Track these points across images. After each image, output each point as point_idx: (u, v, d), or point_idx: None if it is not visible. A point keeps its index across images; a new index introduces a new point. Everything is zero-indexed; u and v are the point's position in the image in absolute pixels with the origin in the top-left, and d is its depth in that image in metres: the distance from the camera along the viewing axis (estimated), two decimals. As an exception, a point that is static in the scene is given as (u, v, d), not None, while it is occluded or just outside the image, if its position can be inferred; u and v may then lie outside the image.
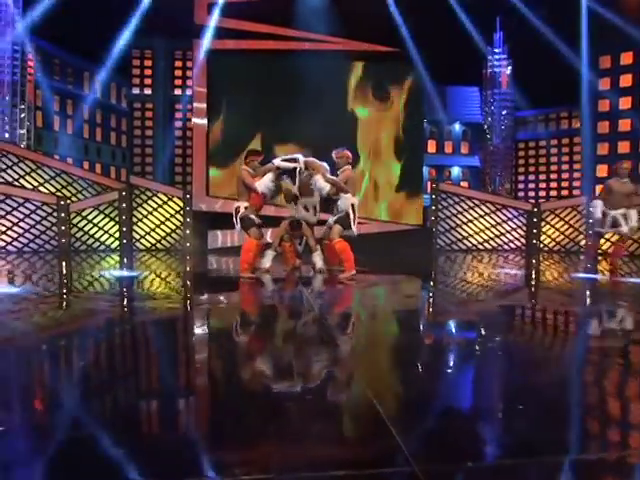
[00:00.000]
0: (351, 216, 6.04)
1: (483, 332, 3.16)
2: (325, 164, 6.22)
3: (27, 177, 12.57)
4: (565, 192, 22.35)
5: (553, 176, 24.01)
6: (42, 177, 12.68)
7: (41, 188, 12.48)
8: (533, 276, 6.89)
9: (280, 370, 1.99)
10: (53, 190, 12.65)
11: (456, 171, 23.49)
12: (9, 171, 12.44)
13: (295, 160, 5.92)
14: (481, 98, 22.70)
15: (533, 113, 24.83)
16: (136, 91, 20.39)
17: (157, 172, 20.06)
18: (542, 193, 23.69)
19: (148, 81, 20.31)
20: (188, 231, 12.40)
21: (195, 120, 12.91)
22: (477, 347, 2.70)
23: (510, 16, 15.18)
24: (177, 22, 13.37)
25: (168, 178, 18.90)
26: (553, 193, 23.52)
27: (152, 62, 19.89)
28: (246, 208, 6.07)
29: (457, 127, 23.74)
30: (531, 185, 24.54)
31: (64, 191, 12.78)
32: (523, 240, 13.55)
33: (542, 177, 24.16)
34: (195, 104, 13.00)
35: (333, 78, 13.27)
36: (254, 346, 2.71)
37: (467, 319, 3.79)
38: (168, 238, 12.48)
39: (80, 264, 8.84)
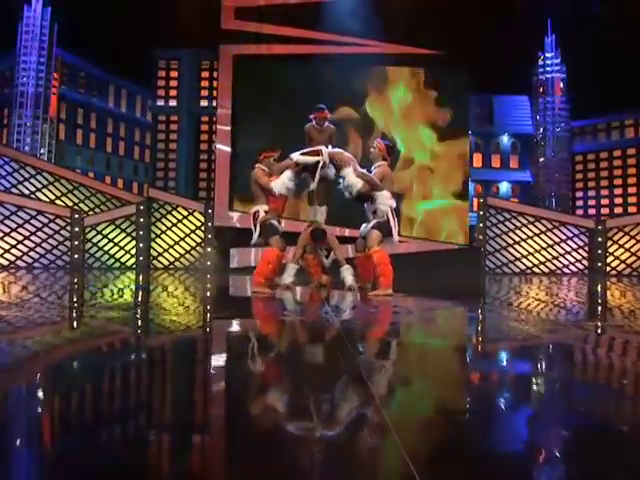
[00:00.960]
0: (391, 221, 5.24)
1: (550, 375, 2.40)
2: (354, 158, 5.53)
3: (44, 190, 12.58)
4: (633, 209, 20.67)
5: (617, 191, 22.42)
6: (59, 190, 12.67)
7: (57, 201, 12.37)
8: (604, 305, 5.81)
9: (294, 415, 1.64)
10: (70, 203, 12.55)
11: (505, 187, 22.36)
12: (26, 183, 12.48)
13: (317, 153, 5.22)
14: (531, 107, 21.67)
15: (592, 122, 23.50)
16: (161, 103, 20.59)
17: (180, 187, 19.98)
18: (605, 210, 22.06)
19: (173, 92, 20.52)
20: (209, 248, 11.90)
21: (219, 146, 12.46)
22: (542, 393, 2.08)
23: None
24: (203, 29, 13.28)
25: (192, 194, 18.70)
26: (618, 210, 21.87)
27: (178, 73, 20.08)
28: (266, 212, 5.38)
29: (505, 139, 22.71)
30: (591, 202, 22.96)
31: (81, 205, 12.69)
32: (586, 262, 12.37)
33: (604, 192, 22.59)
34: (219, 126, 12.64)
35: (370, 84, 12.74)
36: (266, 382, 2.19)
37: (527, 354, 2.92)
38: (187, 256, 12.03)
39: (91, 282, 8.36)
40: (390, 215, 5.28)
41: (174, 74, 20.35)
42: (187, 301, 5.54)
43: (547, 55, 18.71)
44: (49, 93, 15.46)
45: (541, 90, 19.16)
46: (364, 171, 5.34)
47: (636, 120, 20.78)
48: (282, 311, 4.60)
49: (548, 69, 18.91)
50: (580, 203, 22.87)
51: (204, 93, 20.21)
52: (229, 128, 12.33)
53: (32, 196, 12.22)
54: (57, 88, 17.31)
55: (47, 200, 12.25)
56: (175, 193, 17.52)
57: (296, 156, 5.34)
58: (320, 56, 12.16)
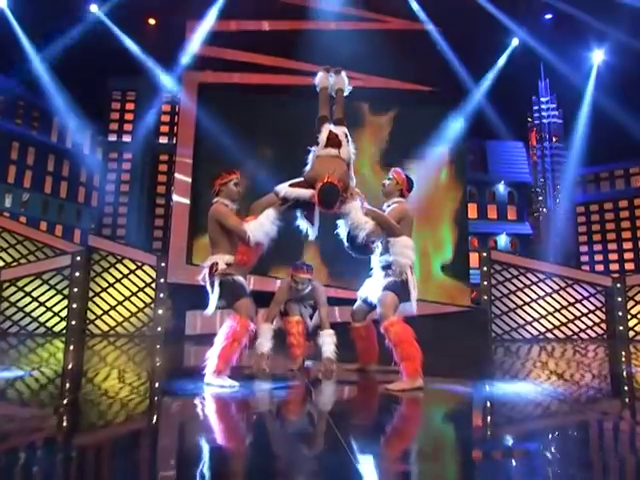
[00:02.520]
0: (410, 280, 4.05)
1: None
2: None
3: (-46, 236, 10.93)
4: (646, 264, 20.43)
5: (627, 245, 22.15)
6: (-24, 237, 11.01)
7: (-28, 251, 10.76)
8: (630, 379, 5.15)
9: None
10: (-11, 254, 10.95)
11: (503, 240, 21.86)
12: None
13: (315, 183, 4.05)
14: (527, 154, 21.62)
15: (594, 171, 23.64)
16: (113, 138, 19.43)
17: (130, 236, 18.47)
18: (614, 266, 21.65)
19: (128, 127, 19.39)
20: (161, 310, 10.44)
21: (176, 198, 11.43)
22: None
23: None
24: (167, 57, 12.51)
25: (145, 245, 17.23)
26: (629, 266, 21.50)
27: (134, 105, 19.11)
28: (229, 265, 4.07)
29: (501, 188, 22.46)
30: (598, 257, 22.60)
31: (3, 255, 11.07)
32: (604, 326, 11.49)
33: (612, 247, 22.32)
34: (177, 175, 11.74)
35: (353, 123, 12.04)
36: None
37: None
38: (133, 319, 10.53)
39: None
40: (409, 272, 4.09)
41: (130, 106, 19.39)
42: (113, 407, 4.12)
43: (542, 100, 18.84)
44: (-22, 123, 14.14)
45: (537, 136, 19.13)
46: (374, 208, 4.20)
47: (642, 167, 21.08)
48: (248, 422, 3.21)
49: (544, 114, 19.01)
50: (585, 258, 22.49)
51: (164, 129, 19.21)
52: (189, 179, 11.28)
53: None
54: (-11, 118, 16.06)
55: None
56: (125, 243, 16.00)
57: (284, 188, 4.22)
58: (296, 88, 11.32)
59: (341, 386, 4.71)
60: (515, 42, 15.15)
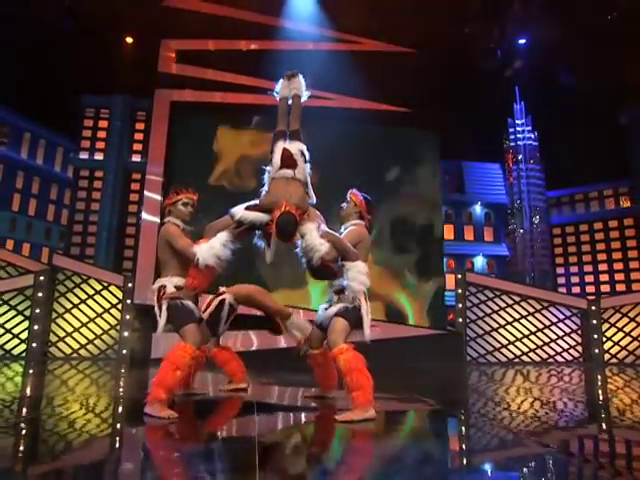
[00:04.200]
0: (364, 306, 3.97)
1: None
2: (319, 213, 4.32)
3: None
4: (621, 286, 20.57)
5: (602, 267, 22.47)
6: None
7: None
8: (608, 405, 5.12)
9: None
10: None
11: (480, 261, 22.03)
12: None
13: (273, 208, 3.92)
14: (504, 176, 22.01)
15: (568, 192, 24.13)
16: (84, 156, 19.24)
17: (99, 256, 18.15)
18: (590, 288, 21.93)
19: (101, 144, 19.24)
20: (126, 332, 10.20)
21: (145, 216, 11.33)
22: None
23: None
24: (141, 75, 12.53)
25: (114, 265, 16.91)
26: (605, 288, 21.79)
27: (108, 122, 18.99)
28: (178, 289, 3.99)
29: (478, 209, 22.74)
30: (574, 279, 22.88)
31: (-37, 275, 10.72)
32: (580, 349, 11.55)
33: (588, 268, 22.63)
34: (146, 192, 11.63)
35: (327, 140, 12.15)
36: None
37: None
38: (97, 342, 10.29)
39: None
40: (363, 298, 4.02)
41: (103, 124, 19.25)
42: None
43: (517, 122, 19.28)
44: (-56, 139, 13.93)
45: (513, 158, 19.52)
46: (331, 231, 4.15)
47: (615, 190, 21.39)
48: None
49: (519, 136, 19.43)
50: (562, 280, 22.76)
51: (137, 147, 19.10)
52: (158, 197, 11.17)
53: None
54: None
55: None
56: (93, 263, 15.72)
57: (239, 212, 4.10)
58: (269, 107, 11.40)
59: (287, 414, 4.63)
60: (491, 64, 15.55)
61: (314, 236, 3.93)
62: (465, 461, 3.08)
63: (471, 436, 3.69)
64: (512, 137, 18.93)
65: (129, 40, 14.79)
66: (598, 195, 22.85)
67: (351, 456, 3.16)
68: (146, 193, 11.65)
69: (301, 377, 4.88)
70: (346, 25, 13.04)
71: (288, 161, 4.20)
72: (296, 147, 4.33)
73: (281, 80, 4.83)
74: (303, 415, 4.56)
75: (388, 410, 4.46)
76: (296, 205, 3.97)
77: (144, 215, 11.55)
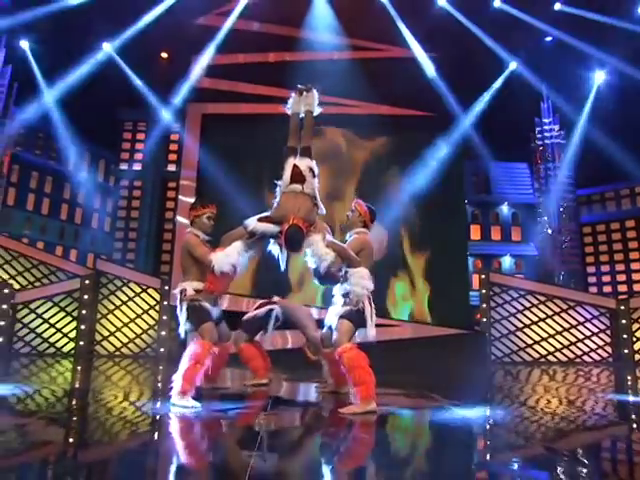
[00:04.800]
0: (367, 309, 4.23)
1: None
2: (326, 225, 4.61)
3: (-25, 261, 11.50)
4: (656, 285, 19.99)
5: (635, 265, 21.72)
6: (-7, 261, 11.59)
7: (-11, 274, 11.33)
8: None
9: None
10: (6, 277, 11.51)
11: (508, 261, 21.72)
12: (-47, 253, 11.44)
13: (282, 220, 4.25)
14: (531, 175, 21.61)
15: (599, 190, 23.44)
16: (124, 167, 20.17)
17: (139, 260, 18.96)
18: (622, 287, 21.26)
19: (139, 156, 20.13)
20: (164, 332, 10.77)
21: (179, 218, 12.11)
22: None
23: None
24: (174, 89, 13.19)
25: (153, 268, 17.70)
26: (638, 287, 21.06)
27: (145, 135, 19.86)
28: (198, 291, 4.38)
29: (505, 209, 22.43)
30: (606, 278, 22.21)
31: (18, 278, 11.62)
32: (609, 349, 11.38)
33: (620, 267, 21.92)
34: (180, 197, 12.42)
35: (354, 149, 12.45)
36: None
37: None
38: (138, 340, 10.85)
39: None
40: (366, 301, 4.33)
41: (141, 136, 20.15)
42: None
43: (545, 121, 18.94)
44: (2, 154, 14.99)
45: (541, 157, 19.19)
46: (336, 240, 4.46)
47: (647, 187, 20.80)
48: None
49: (547, 134, 19.08)
50: (593, 279, 22.16)
51: (172, 157, 19.91)
52: (192, 201, 11.77)
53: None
54: (11, 149, 16.93)
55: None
56: (133, 267, 16.50)
57: (252, 223, 4.39)
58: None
59: (300, 408, 4.96)
60: (513, 65, 15.47)
61: (320, 246, 4.22)
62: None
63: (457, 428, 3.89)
64: (539, 136, 18.65)
65: (164, 55, 15.53)
66: (630, 192, 22.08)
67: (349, 445, 3.47)
68: (180, 197, 12.33)
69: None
70: (366, 32, 13.28)
71: (297, 177, 4.47)
72: (305, 164, 4.57)
73: (293, 95, 4.94)
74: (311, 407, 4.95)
75: (391, 404, 4.73)
76: (303, 218, 4.26)
77: (179, 218, 12.22)
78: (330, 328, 4.55)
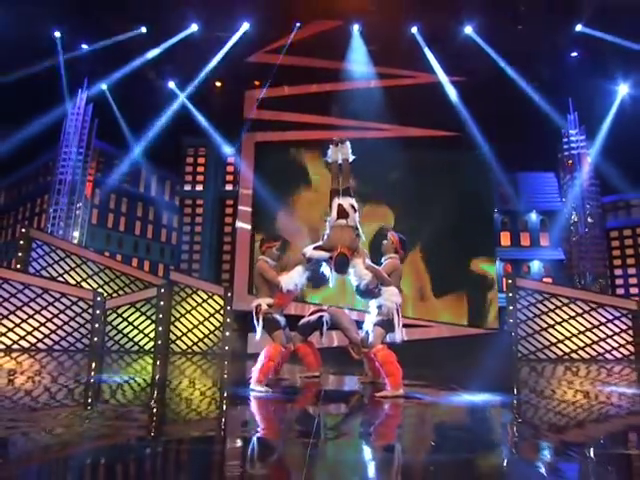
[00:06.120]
0: (396, 319, 5.25)
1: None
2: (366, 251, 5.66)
3: (72, 272, 13.21)
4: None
5: (662, 269, 21.59)
6: (86, 272, 13.32)
7: (83, 283, 12.98)
8: None
9: None
10: (95, 286, 13.11)
11: (536, 266, 21.96)
12: (55, 266, 13.17)
13: (331, 248, 5.35)
14: (559, 184, 21.81)
15: (625, 197, 23.38)
16: (188, 187, 21.98)
17: (203, 270, 20.62)
18: (649, 290, 21.18)
19: (200, 178, 21.91)
20: (228, 333, 12.03)
21: (239, 224, 13.27)
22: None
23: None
24: (229, 119, 14.63)
25: (215, 277, 19.30)
26: (661, 290, 20.95)
27: (205, 159, 21.61)
28: (270, 306, 5.54)
29: (533, 217, 22.71)
30: (632, 280, 22.14)
31: (105, 287, 13.20)
32: (631, 347, 11.76)
33: (645, 271, 21.83)
34: (240, 207, 13.57)
35: (387, 167, 13.32)
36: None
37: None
38: (206, 340, 12.16)
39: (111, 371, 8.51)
40: (395, 313, 5.27)
41: (201, 160, 21.95)
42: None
43: (571, 132, 19.15)
44: (85, 181, 16.89)
45: (567, 166, 19.43)
46: (373, 264, 5.40)
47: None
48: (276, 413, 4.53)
49: (573, 145, 19.27)
50: (620, 282, 22.12)
51: (229, 178, 21.61)
52: (250, 209, 13.13)
53: (60, 278, 12.87)
54: (93, 176, 18.89)
55: (73, 282, 12.86)
56: (199, 276, 18.11)
57: (309, 251, 5.40)
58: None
59: (347, 395, 5.98)
60: (538, 82, 15.90)
61: (361, 268, 5.17)
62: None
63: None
64: (566, 147, 18.86)
65: (218, 84, 16.87)
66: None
67: (383, 420, 4.51)
68: (240, 207, 13.53)
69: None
70: (398, 61, 14.18)
71: (342, 214, 5.41)
72: (347, 202, 5.48)
73: (331, 147, 5.81)
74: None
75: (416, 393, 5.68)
76: (348, 247, 5.19)
77: (238, 224, 13.55)
78: (367, 333, 5.43)
